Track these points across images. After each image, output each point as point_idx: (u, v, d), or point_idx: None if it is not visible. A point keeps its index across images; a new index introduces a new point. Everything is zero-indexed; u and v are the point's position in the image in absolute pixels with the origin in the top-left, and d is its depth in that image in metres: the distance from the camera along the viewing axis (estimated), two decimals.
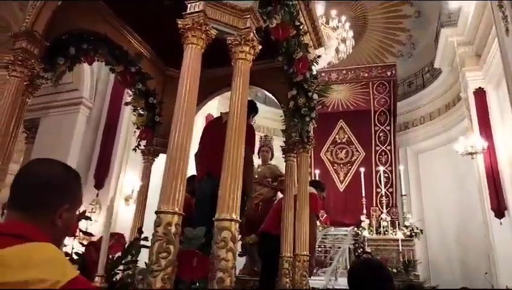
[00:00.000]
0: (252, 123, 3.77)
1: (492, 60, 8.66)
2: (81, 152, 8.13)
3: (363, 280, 1.77)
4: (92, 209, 7.38)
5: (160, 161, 3.34)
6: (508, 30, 5.89)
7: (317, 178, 11.27)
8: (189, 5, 2.07)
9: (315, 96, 3.22)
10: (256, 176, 4.65)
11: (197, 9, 2.04)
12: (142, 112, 3.68)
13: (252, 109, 3.75)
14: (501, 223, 8.42)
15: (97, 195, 7.79)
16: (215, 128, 3.32)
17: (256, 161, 4.31)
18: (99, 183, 7.89)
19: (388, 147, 12.22)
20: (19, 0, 6.01)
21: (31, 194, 1.01)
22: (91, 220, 2.19)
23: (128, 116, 7.95)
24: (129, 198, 8.05)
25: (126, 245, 1.79)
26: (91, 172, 8.00)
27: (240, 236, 2.17)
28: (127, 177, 8.22)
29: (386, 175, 11.70)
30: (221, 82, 3.57)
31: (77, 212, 1.14)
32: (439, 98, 12.35)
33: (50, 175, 1.05)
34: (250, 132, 3.18)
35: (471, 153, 8.48)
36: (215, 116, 7.01)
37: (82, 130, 8.33)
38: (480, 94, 9.40)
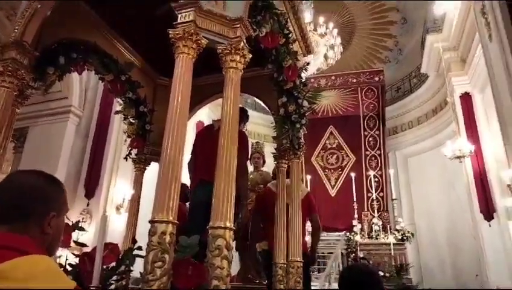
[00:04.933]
0: (244, 130, 3.78)
1: (477, 65, 8.84)
2: (70, 161, 8.04)
3: (352, 285, 1.80)
4: (83, 218, 7.29)
5: (152, 169, 3.33)
6: (491, 36, 6.03)
7: (308, 183, 11.24)
8: (179, 15, 2.09)
9: (305, 103, 3.25)
10: (248, 183, 4.65)
11: (187, 19, 2.06)
12: (132, 121, 3.66)
13: (243, 116, 3.77)
14: (490, 226, 8.54)
15: (88, 205, 7.70)
16: (208, 136, 3.32)
17: (249, 168, 4.32)
18: (90, 193, 7.80)
19: (378, 152, 12.33)
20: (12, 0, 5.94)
21: (16, 206, 1.01)
22: (84, 230, 2.17)
23: (118, 125, 7.89)
24: (120, 207, 7.98)
25: (120, 255, 1.78)
26: (81, 181, 7.90)
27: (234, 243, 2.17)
28: (117, 186, 8.14)
29: (377, 179, 11.80)
30: (211, 90, 3.60)
31: (70, 221, 1.14)
32: (426, 103, 12.54)
33: (31, 185, 1.05)
34: (243, 138, 3.19)
35: (459, 157, 8.60)
36: (205, 124, 7.01)
37: (71, 139, 8.24)
38: (466, 98, 9.59)
